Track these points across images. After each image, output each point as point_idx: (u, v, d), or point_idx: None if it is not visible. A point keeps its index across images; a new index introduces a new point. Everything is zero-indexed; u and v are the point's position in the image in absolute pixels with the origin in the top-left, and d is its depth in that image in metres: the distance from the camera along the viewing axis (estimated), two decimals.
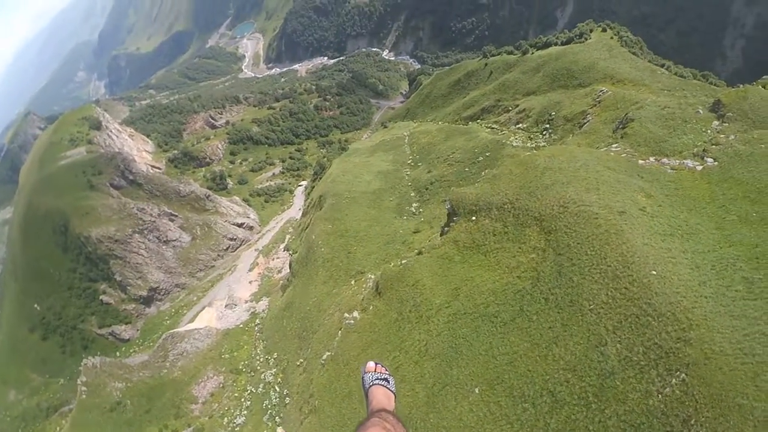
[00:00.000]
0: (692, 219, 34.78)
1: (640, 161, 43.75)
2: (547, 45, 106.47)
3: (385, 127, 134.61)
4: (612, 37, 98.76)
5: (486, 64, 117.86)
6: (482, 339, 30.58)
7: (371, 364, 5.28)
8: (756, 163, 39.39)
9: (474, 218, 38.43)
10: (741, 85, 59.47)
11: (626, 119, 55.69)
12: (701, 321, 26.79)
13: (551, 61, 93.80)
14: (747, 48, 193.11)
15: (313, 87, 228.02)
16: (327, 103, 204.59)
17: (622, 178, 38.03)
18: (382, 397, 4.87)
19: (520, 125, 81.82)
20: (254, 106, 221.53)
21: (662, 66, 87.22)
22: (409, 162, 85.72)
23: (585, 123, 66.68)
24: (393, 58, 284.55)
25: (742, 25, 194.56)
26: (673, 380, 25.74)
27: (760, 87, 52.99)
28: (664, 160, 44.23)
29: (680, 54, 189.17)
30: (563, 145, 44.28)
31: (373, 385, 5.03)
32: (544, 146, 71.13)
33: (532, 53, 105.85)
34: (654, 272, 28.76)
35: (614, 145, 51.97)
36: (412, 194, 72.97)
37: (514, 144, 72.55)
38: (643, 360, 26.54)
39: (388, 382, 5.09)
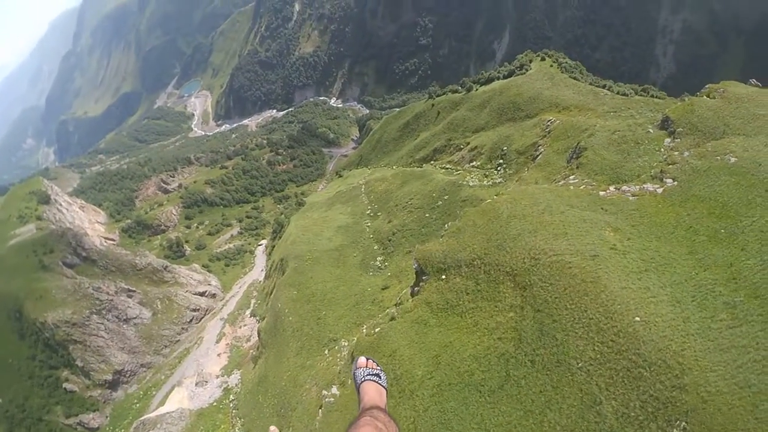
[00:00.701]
0: (663, 247, 34.18)
1: (601, 192, 43.35)
2: (490, 80, 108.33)
3: (340, 176, 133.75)
4: (551, 65, 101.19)
5: (433, 105, 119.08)
6: (472, 411, 28.73)
7: (362, 360, 5.34)
8: (715, 176, 39.42)
9: (444, 277, 36.97)
10: (686, 98, 60.07)
11: (579, 148, 55.85)
12: (693, 363, 25.87)
13: (496, 95, 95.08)
14: (677, 53, 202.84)
15: (265, 141, 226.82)
16: (279, 157, 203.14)
17: (586, 215, 37.36)
18: (374, 393, 4.93)
19: (474, 163, 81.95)
20: (206, 166, 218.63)
21: (604, 87, 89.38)
22: (368, 213, 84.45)
23: (538, 155, 66.99)
24: (341, 105, 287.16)
25: (670, 31, 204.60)
26: (674, 431, 24.58)
27: (705, 97, 53.57)
28: (624, 187, 43.93)
29: (616, 68, 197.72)
30: (523, 186, 43.50)
31: (364, 380, 5.08)
32: (500, 182, 71.03)
33: (477, 89, 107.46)
34: (638, 318, 27.79)
35: (571, 177, 51.80)
36: (376, 247, 71.35)
37: (471, 184, 72.18)
38: (641, 415, 25.36)
39: (380, 377, 5.17)
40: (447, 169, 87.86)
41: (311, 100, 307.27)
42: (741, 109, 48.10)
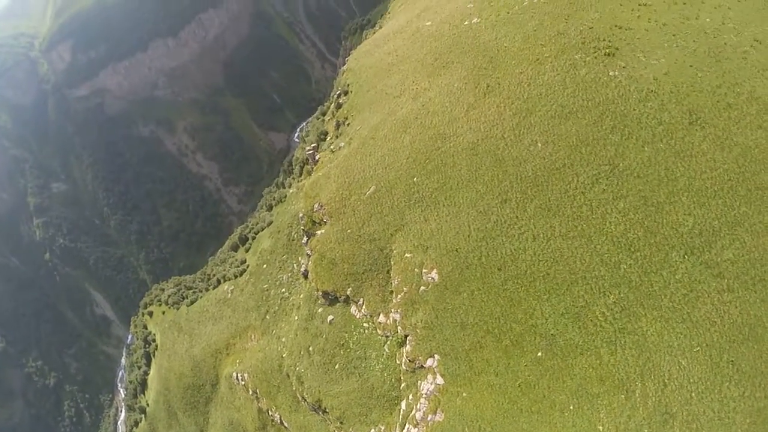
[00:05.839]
0: None
1: None
2: (143, 383, 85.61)
3: None
4: (164, 312, 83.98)
5: None
6: None
7: None
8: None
9: None
10: (308, 251, 48.08)
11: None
12: None
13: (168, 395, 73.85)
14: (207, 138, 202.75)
15: None
16: None
17: None
18: None
19: None
20: None
21: (219, 281, 75.30)
22: None
23: None
24: None
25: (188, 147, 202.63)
26: None
27: (319, 231, 41.29)
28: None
29: (189, 212, 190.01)
30: None
31: None
32: None
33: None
34: None
35: None
36: None
37: None
38: None
39: None
40: None
41: None
42: (351, 200, 37.70)
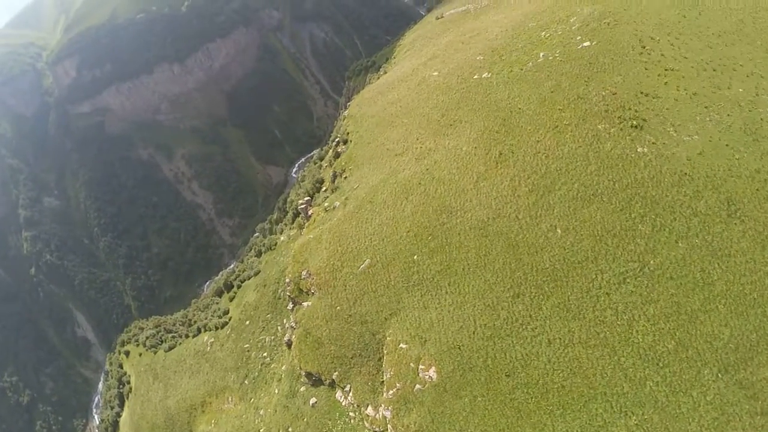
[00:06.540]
0: None
1: None
2: None
3: None
4: (141, 354, 79.04)
5: None
6: None
7: None
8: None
9: None
10: (293, 324, 45.24)
11: None
12: None
13: None
14: (207, 178, 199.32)
15: None
16: None
17: None
18: None
19: None
20: None
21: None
22: None
23: None
24: None
25: (190, 175, 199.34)
26: None
27: (307, 311, 38.09)
28: None
29: (179, 240, 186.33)
30: None
31: None
32: None
33: None
34: None
35: None
36: None
37: None
38: None
39: None
40: None
41: None
42: (342, 272, 34.17)
